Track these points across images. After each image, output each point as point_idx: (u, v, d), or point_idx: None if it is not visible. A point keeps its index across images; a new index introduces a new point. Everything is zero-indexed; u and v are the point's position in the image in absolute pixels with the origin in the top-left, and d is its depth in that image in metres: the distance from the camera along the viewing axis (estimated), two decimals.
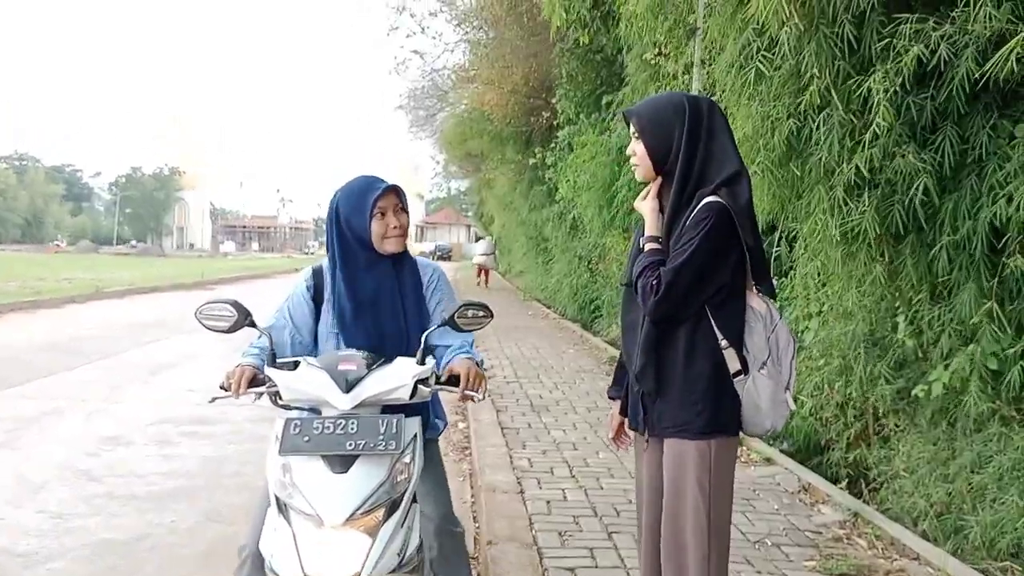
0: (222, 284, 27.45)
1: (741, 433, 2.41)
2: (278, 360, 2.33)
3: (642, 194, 2.45)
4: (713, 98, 5.60)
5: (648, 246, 2.35)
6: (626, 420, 2.56)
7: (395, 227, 2.54)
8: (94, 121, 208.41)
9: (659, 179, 2.39)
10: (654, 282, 2.24)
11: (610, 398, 2.65)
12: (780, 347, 2.34)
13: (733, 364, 2.29)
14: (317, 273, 2.65)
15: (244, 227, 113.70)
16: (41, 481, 4.94)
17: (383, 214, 2.51)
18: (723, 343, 2.29)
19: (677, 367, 2.32)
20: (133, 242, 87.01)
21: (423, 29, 17.81)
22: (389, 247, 2.55)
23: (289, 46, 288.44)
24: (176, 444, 5.97)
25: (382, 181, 2.57)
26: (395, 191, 2.55)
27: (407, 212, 2.62)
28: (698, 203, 2.26)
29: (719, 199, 2.23)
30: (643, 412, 2.42)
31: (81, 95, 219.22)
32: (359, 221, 2.50)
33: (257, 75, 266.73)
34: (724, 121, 2.37)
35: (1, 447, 5.66)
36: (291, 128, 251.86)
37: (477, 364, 2.43)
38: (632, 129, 2.40)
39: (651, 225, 2.38)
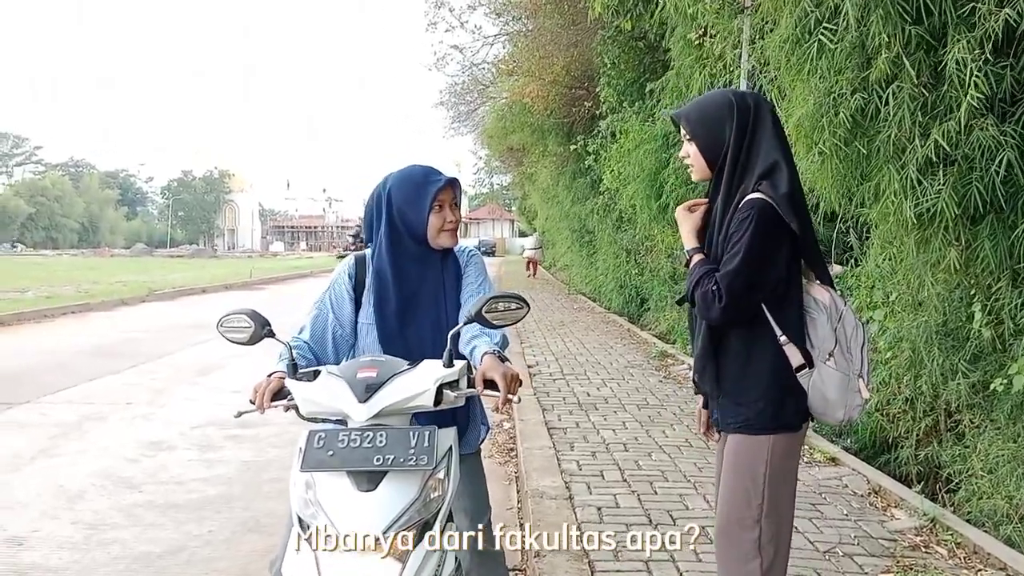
0: (270, 283, 27.75)
1: (809, 427, 2.39)
2: (299, 370, 2.15)
3: (685, 205, 2.44)
4: (768, 77, 5.31)
5: (695, 258, 2.34)
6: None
7: (452, 221, 2.43)
8: (146, 126, 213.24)
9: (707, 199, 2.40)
10: (714, 288, 2.20)
11: (695, 393, 2.60)
12: (848, 335, 2.29)
13: (795, 359, 2.25)
14: (360, 263, 2.52)
15: (292, 227, 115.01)
16: (79, 490, 4.86)
17: (441, 207, 2.40)
18: (782, 338, 2.25)
19: (736, 366, 2.31)
20: (187, 245, 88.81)
21: (462, 24, 17.68)
22: (444, 241, 2.44)
23: (330, 45, 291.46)
24: (219, 448, 5.88)
25: (440, 173, 2.45)
26: (452, 186, 2.44)
27: (460, 208, 2.52)
28: (740, 198, 2.25)
29: (759, 194, 2.21)
30: (711, 410, 2.47)
31: (134, 101, 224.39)
32: (416, 214, 2.39)
33: (300, 75, 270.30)
34: (772, 116, 2.35)
35: (41, 454, 5.62)
36: (335, 128, 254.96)
37: (501, 354, 2.19)
38: (683, 132, 2.41)
39: (689, 237, 2.39)
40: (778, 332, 2.24)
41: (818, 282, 2.34)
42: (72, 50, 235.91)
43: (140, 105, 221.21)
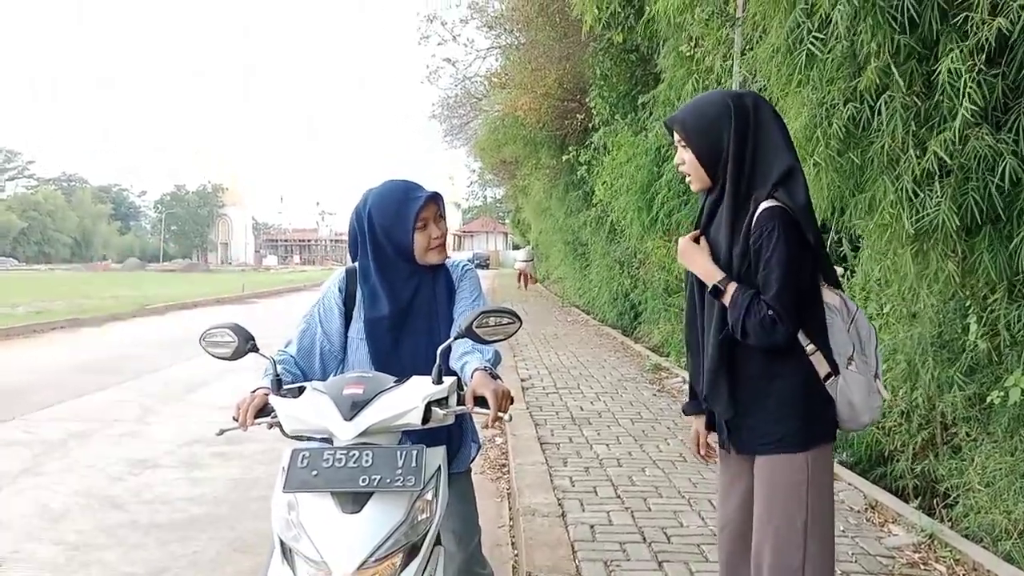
0: (263, 297, 27.60)
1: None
2: (284, 386, 2.09)
3: (690, 237, 2.32)
4: (758, 87, 5.28)
5: (730, 286, 2.19)
6: (711, 435, 2.47)
7: (437, 237, 2.36)
8: (138, 140, 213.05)
9: (703, 237, 2.32)
10: (769, 313, 2.11)
11: (686, 414, 2.53)
12: (862, 337, 2.25)
13: (822, 368, 2.20)
14: (351, 275, 2.46)
15: (286, 241, 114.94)
16: (62, 510, 4.76)
17: (425, 225, 2.33)
18: (809, 347, 2.18)
19: (760, 382, 2.22)
20: (180, 259, 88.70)
21: (454, 37, 17.69)
22: (432, 259, 2.37)
23: (323, 58, 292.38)
24: (205, 466, 5.79)
25: (420, 189, 2.37)
26: (435, 200, 2.36)
27: (445, 219, 2.43)
28: (754, 208, 2.15)
29: (776, 202, 2.12)
30: (727, 431, 2.33)
31: (124, 115, 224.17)
32: (400, 234, 2.31)
33: (292, 88, 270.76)
34: (772, 113, 2.25)
35: (25, 474, 5.51)
36: (328, 141, 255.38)
37: (492, 371, 2.13)
38: (677, 138, 2.30)
39: (711, 267, 2.25)
40: (805, 342, 2.17)
41: (826, 286, 2.27)
42: (60, 60, 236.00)
43: (134, 110, 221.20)
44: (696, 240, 2.31)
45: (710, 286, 2.23)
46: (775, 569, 2.21)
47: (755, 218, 2.14)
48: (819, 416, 2.21)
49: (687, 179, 2.33)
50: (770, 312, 2.10)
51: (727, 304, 2.19)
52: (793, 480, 2.19)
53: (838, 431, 2.30)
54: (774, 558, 2.21)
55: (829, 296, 2.25)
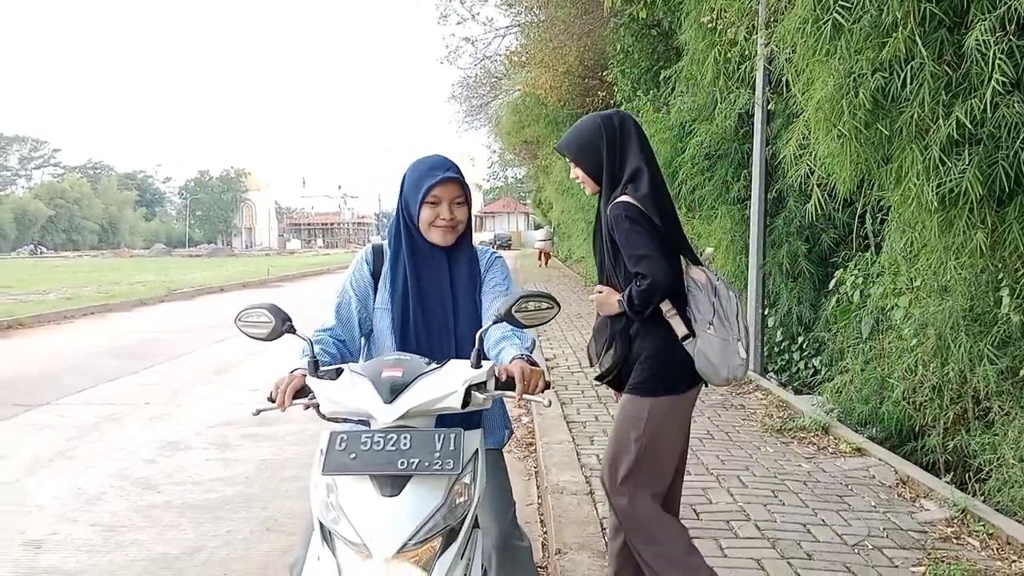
0: (288, 281, 27.80)
1: (702, 390, 2.85)
2: (321, 368, 2.08)
3: (600, 300, 2.81)
4: (784, 59, 5.19)
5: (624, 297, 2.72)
6: None
7: (445, 219, 2.34)
8: (163, 126, 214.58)
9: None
10: (638, 278, 2.61)
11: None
12: (724, 307, 2.69)
13: (680, 329, 2.67)
14: (377, 251, 2.49)
15: (309, 224, 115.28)
16: (97, 492, 4.84)
17: (436, 203, 2.33)
18: (669, 311, 2.67)
19: (632, 341, 2.74)
20: (205, 244, 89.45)
21: (473, 16, 17.54)
22: (434, 237, 2.37)
23: (344, 42, 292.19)
24: (236, 448, 5.86)
25: (443, 169, 2.36)
26: (458, 183, 2.34)
27: (468, 206, 2.41)
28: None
29: (627, 197, 2.63)
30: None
31: (149, 100, 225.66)
32: (412, 203, 2.35)
33: (313, 72, 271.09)
34: (634, 126, 2.79)
35: (59, 457, 5.62)
36: (348, 124, 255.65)
37: (529, 358, 2.13)
38: (568, 159, 2.87)
39: (615, 301, 2.74)
40: (667, 306, 2.66)
41: (691, 264, 2.76)
42: (83, 49, 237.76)
43: (153, 101, 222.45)
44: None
45: (622, 309, 2.69)
46: (607, 474, 2.77)
47: (607, 215, 2.68)
48: (671, 370, 2.68)
49: (583, 186, 2.89)
50: (638, 277, 2.60)
51: (627, 306, 2.67)
52: (633, 413, 2.71)
53: (706, 385, 2.78)
54: (608, 468, 2.76)
55: (697, 273, 2.73)
